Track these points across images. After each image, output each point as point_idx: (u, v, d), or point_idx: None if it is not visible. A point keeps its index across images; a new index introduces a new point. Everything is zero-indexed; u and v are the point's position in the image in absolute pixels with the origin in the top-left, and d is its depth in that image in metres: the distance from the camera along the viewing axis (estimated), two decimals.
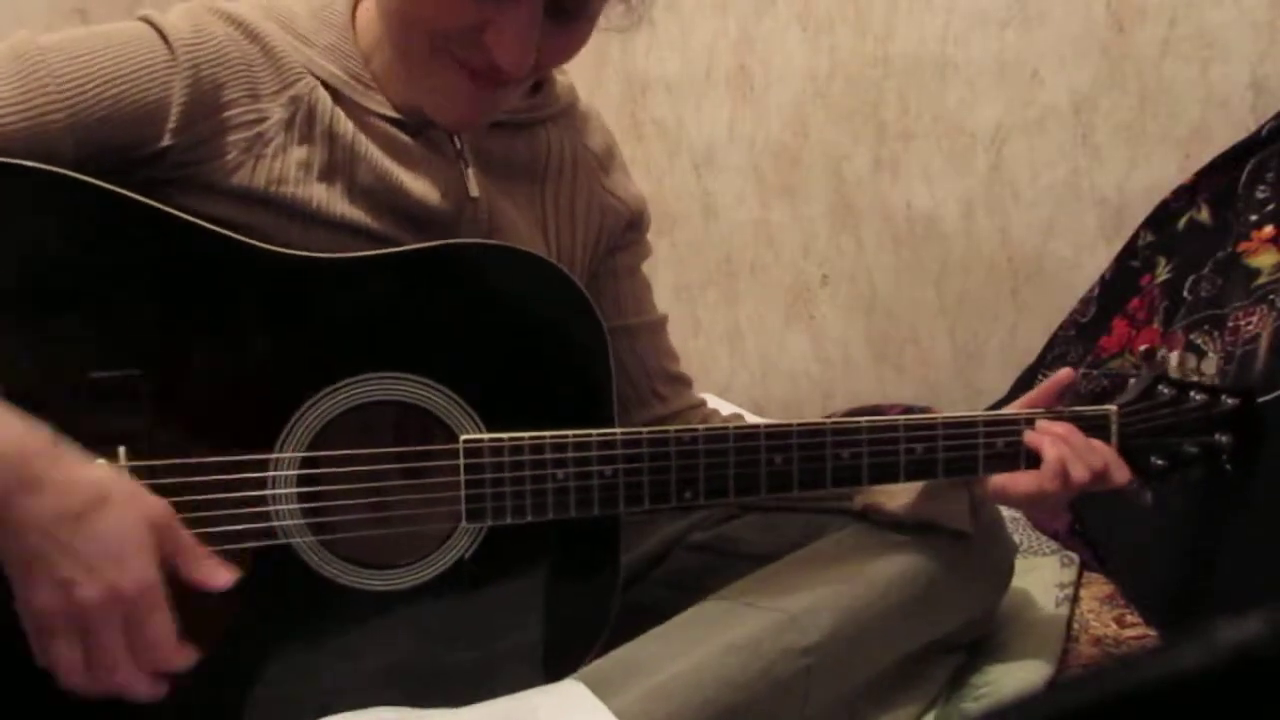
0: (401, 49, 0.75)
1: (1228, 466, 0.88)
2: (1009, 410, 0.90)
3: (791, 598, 0.80)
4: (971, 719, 0.87)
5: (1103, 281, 1.38)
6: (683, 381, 1.00)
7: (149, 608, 0.60)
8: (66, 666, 0.61)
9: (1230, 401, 0.88)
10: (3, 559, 0.60)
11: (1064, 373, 0.90)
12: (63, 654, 0.60)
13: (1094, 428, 0.87)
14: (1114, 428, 0.88)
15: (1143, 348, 0.93)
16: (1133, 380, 0.93)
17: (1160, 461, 0.88)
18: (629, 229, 0.95)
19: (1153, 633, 1.06)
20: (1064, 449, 0.83)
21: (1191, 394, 0.89)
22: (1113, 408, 0.89)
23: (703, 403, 1.01)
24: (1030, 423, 0.86)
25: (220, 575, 0.64)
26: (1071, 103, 1.43)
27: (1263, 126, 1.21)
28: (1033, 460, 0.85)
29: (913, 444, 0.83)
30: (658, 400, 0.97)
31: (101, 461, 0.64)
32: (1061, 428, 0.85)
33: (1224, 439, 0.88)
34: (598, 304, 0.80)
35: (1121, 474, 0.86)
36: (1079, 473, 0.83)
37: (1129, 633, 1.06)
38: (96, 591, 0.59)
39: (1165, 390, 0.89)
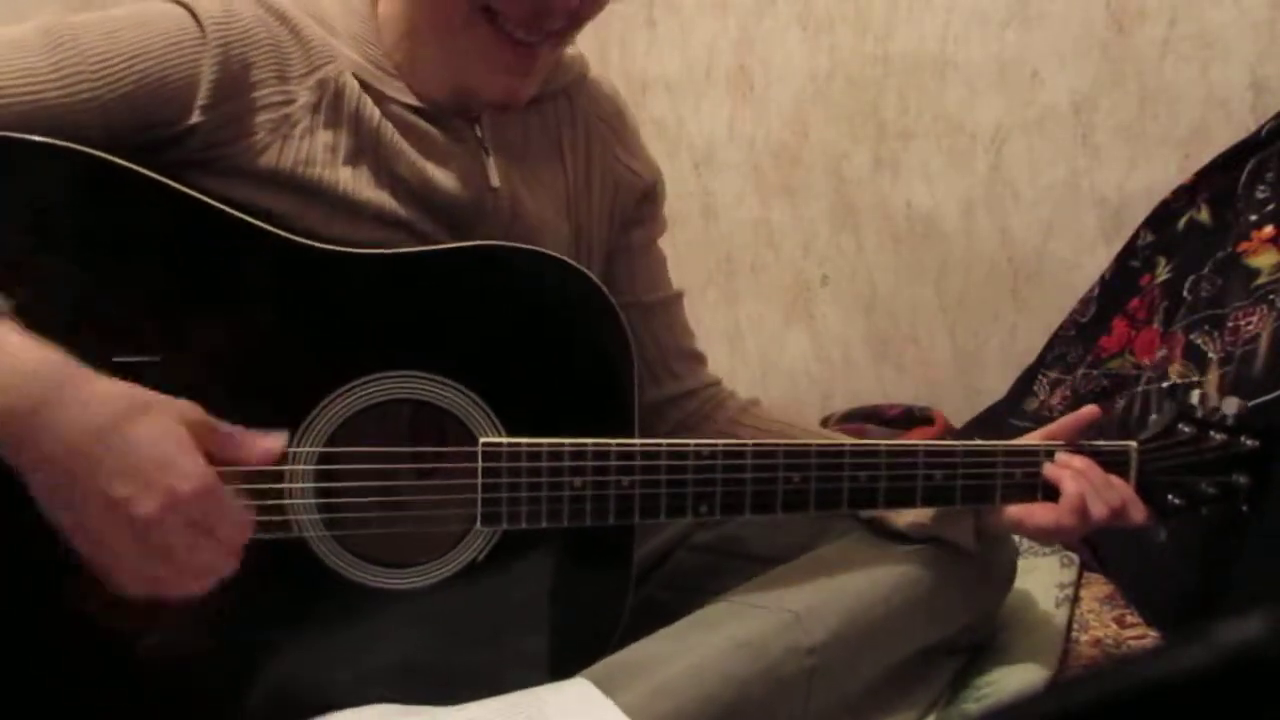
0: (439, 27, 0.76)
1: (1244, 508, 0.88)
2: (1028, 441, 0.89)
3: (797, 598, 0.80)
4: (972, 719, 0.87)
5: (1103, 281, 1.38)
6: (698, 359, 0.99)
7: (214, 502, 0.60)
8: (141, 584, 0.60)
9: (1250, 443, 0.87)
10: (42, 494, 0.58)
11: (1089, 409, 0.89)
12: (134, 574, 0.59)
13: (1113, 463, 0.87)
14: (1133, 464, 0.88)
15: (1168, 384, 0.92)
16: (1154, 417, 0.92)
17: (1177, 500, 0.88)
18: (644, 201, 0.95)
19: (1153, 633, 1.06)
20: (1084, 484, 0.83)
21: (1211, 433, 0.88)
22: (1133, 444, 0.88)
23: (718, 381, 1.01)
24: (1050, 455, 0.86)
25: (271, 443, 0.64)
26: (1071, 103, 1.43)
27: (1263, 126, 1.21)
28: (1049, 492, 0.85)
29: (931, 470, 0.83)
30: (672, 378, 0.96)
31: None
32: (1081, 462, 0.85)
33: (1242, 480, 0.87)
34: (613, 280, 0.79)
35: (1139, 513, 0.85)
36: (1098, 510, 0.82)
37: (1129, 633, 1.06)
38: (155, 503, 0.57)
39: (1185, 429, 0.89)
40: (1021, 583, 1.03)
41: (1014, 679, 0.93)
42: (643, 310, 0.94)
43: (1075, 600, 1.12)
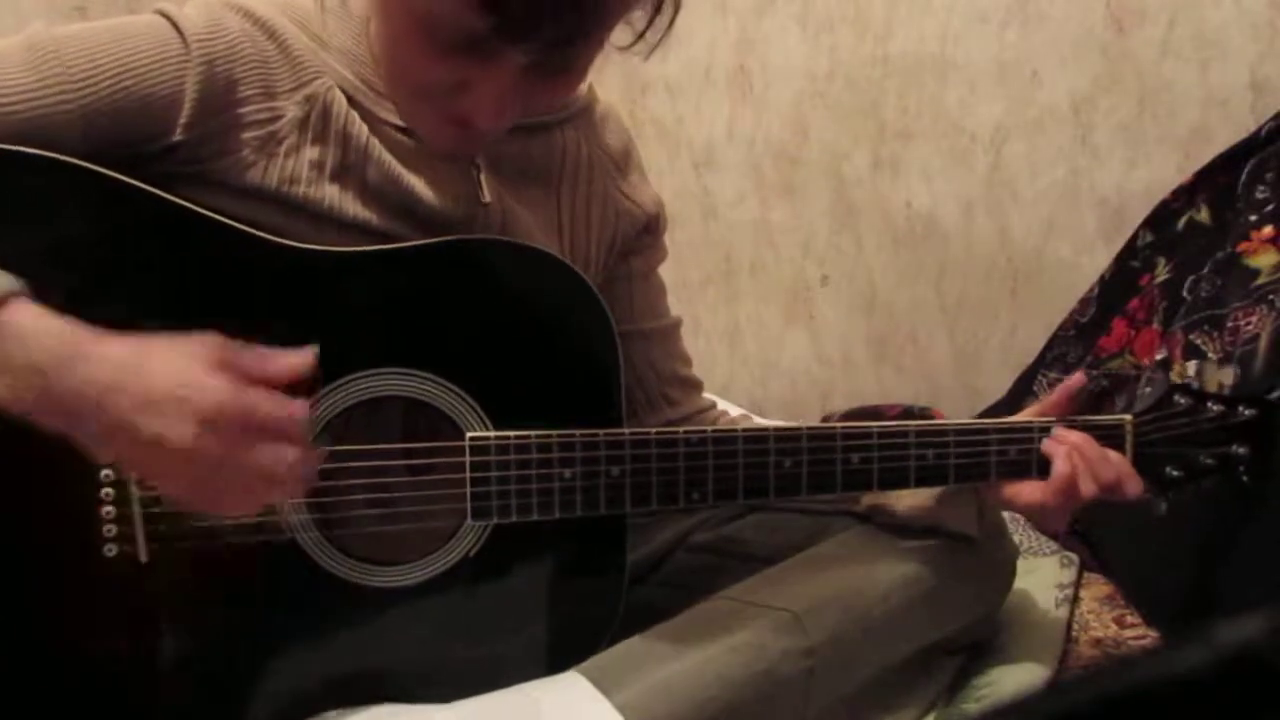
0: (392, 89, 0.76)
1: (1245, 478, 0.87)
2: (1022, 418, 0.89)
3: (795, 598, 0.80)
4: (971, 719, 0.87)
5: (1102, 281, 1.38)
6: (693, 385, 1.00)
7: (246, 406, 0.59)
8: (235, 502, 0.61)
9: (1247, 412, 0.87)
10: (104, 454, 0.61)
11: (1076, 377, 0.89)
12: (219, 495, 0.60)
13: (1109, 437, 0.87)
14: (1129, 437, 0.88)
15: (1158, 358, 0.92)
16: (1148, 389, 0.92)
17: (1175, 472, 0.87)
18: (644, 232, 0.95)
19: (1153, 633, 1.06)
20: (1077, 462, 0.83)
21: (1208, 404, 0.88)
22: (1128, 417, 0.88)
23: (713, 405, 1.01)
24: (1045, 431, 0.86)
25: (296, 359, 0.63)
26: (1071, 103, 1.43)
27: (1262, 127, 1.21)
28: (1044, 467, 0.85)
29: (924, 450, 0.83)
30: (668, 404, 0.96)
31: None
32: (1077, 437, 0.84)
33: (1241, 450, 0.87)
34: (611, 307, 0.80)
35: (1134, 486, 0.85)
36: (1088, 487, 0.82)
37: (1129, 633, 1.06)
38: (188, 429, 0.58)
39: (1181, 400, 0.88)
40: (1021, 583, 1.02)
41: (1013, 679, 0.93)
42: (641, 337, 0.94)
43: (1075, 600, 1.12)
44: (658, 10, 0.72)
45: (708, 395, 1.03)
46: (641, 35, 0.73)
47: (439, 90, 0.70)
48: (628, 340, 0.83)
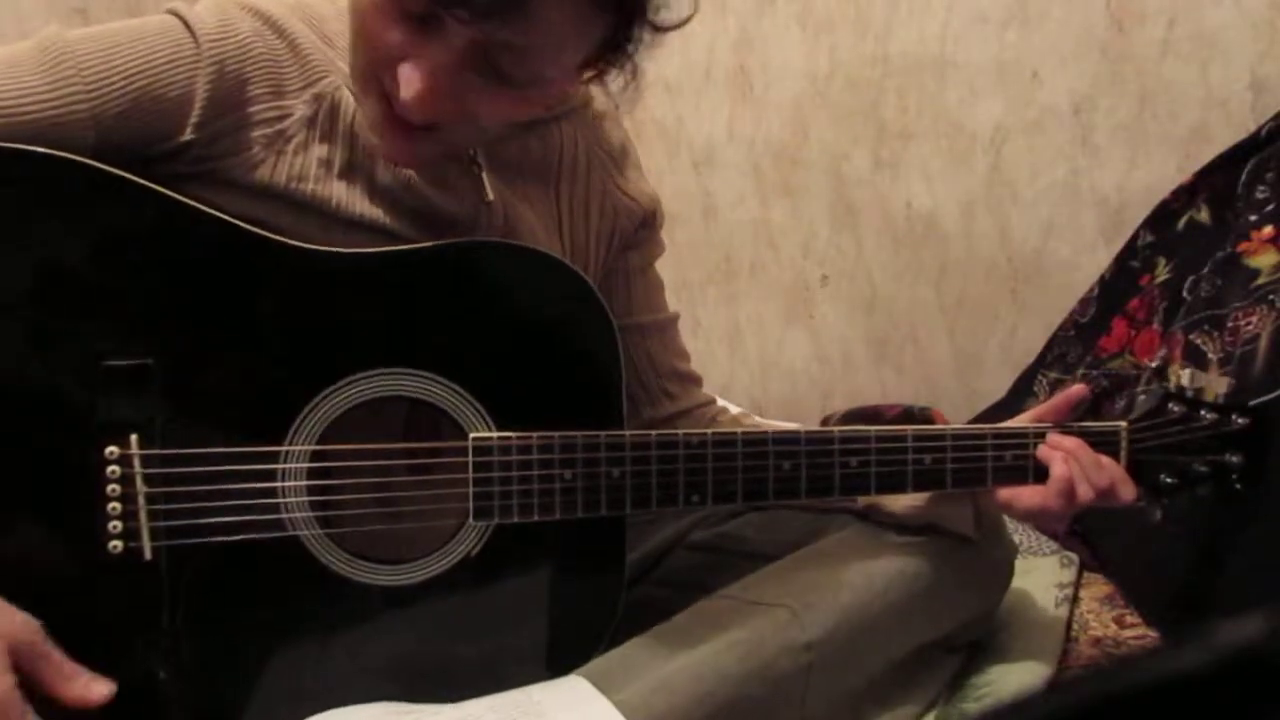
0: (351, 67, 0.75)
1: (1238, 486, 0.88)
2: (1018, 423, 0.90)
3: (793, 595, 0.80)
4: (971, 719, 0.88)
5: (1102, 281, 1.38)
6: (692, 380, 1.00)
7: (7, 714, 0.60)
8: None
9: (1240, 421, 0.88)
10: None
11: (1077, 389, 0.90)
12: None
13: (1104, 443, 0.87)
14: (1124, 444, 0.88)
15: (1154, 364, 0.92)
16: (1143, 397, 0.92)
17: (1170, 479, 0.88)
18: (641, 227, 0.95)
19: (1153, 633, 1.07)
20: (1073, 467, 0.83)
21: (1201, 412, 0.88)
22: (1123, 424, 0.89)
23: (712, 401, 1.02)
24: (1041, 436, 0.86)
25: (94, 690, 0.64)
26: (1071, 103, 1.43)
27: (1262, 127, 1.21)
28: (1041, 473, 0.85)
29: (921, 455, 0.83)
30: (667, 398, 0.97)
31: None
32: (1072, 443, 0.85)
33: (1234, 458, 0.87)
34: (609, 302, 0.80)
35: (1128, 492, 0.86)
36: (1084, 491, 0.83)
37: (1129, 633, 1.06)
38: None
39: (1175, 408, 0.89)
40: (1021, 583, 1.03)
41: (1013, 678, 0.93)
42: (639, 331, 0.94)
43: (1075, 600, 1.12)
44: (624, 41, 0.72)
45: (707, 392, 1.03)
46: (602, 63, 0.75)
47: (384, 64, 0.68)
48: (626, 334, 0.84)
